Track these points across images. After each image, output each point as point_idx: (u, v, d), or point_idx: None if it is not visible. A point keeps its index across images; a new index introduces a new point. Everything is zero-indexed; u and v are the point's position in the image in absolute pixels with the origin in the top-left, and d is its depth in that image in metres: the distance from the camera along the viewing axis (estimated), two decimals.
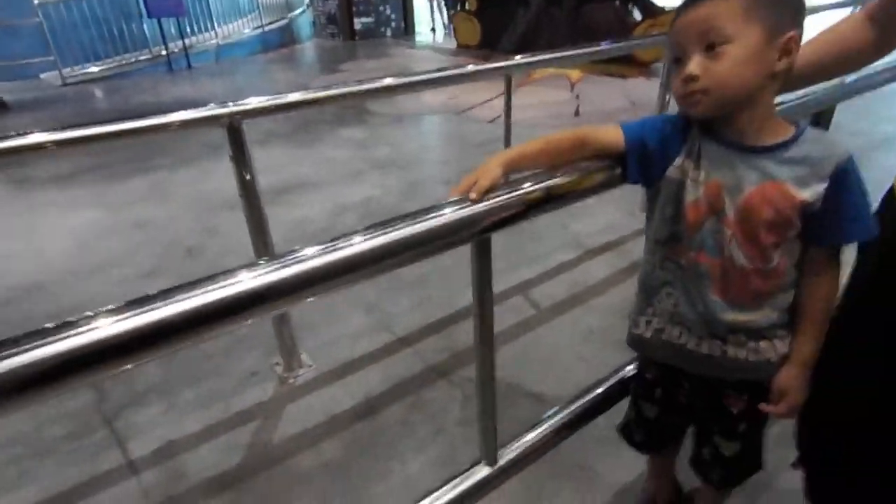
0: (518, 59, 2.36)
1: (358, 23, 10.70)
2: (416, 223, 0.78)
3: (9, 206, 3.68)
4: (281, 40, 10.75)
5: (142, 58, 8.84)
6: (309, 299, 0.72)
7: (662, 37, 3.26)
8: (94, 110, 6.58)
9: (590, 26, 7.17)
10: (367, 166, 4.06)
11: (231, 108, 1.69)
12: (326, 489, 1.53)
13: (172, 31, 8.93)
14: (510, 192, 0.86)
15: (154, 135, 1.59)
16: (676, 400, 1.05)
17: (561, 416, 1.08)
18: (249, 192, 1.78)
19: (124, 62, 8.69)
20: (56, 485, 1.59)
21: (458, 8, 8.90)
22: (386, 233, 0.76)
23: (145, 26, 8.91)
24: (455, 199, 0.85)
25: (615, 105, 5.39)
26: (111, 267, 2.84)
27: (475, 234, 0.84)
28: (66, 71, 8.01)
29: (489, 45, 8.37)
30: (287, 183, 3.76)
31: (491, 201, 0.84)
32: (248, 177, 1.76)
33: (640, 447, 1.20)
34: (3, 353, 0.52)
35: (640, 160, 0.89)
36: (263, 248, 1.88)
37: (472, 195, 0.83)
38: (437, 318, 2.27)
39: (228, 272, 0.65)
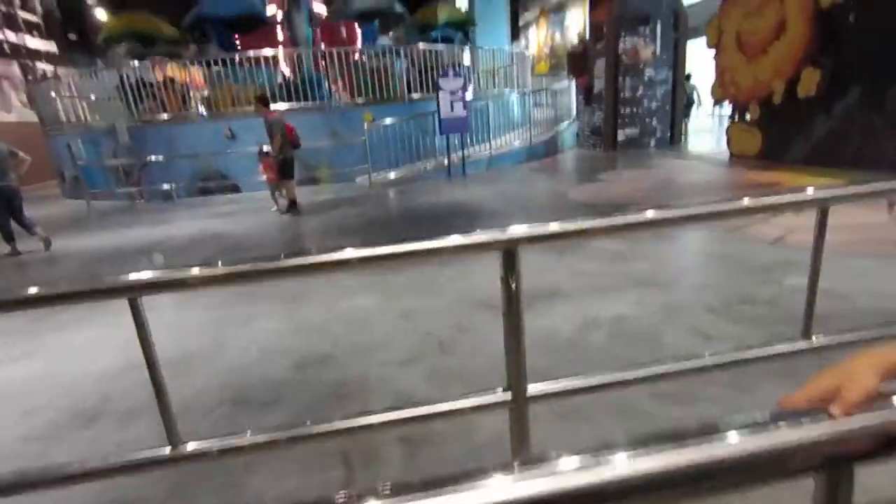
0: (842, 188, 1.92)
1: (622, 134, 10.88)
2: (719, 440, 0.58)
3: (319, 290, 4.56)
4: (546, 150, 11.64)
5: (428, 166, 10.60)
6: None
7: None
8: (389, 207, 8.06)
9: None
10: (623, 282, 3.83)
11: (507, 235, 1.75)
12: None
13: (456, 143, 10.52)
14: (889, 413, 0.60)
15: (436, 257, 1.74)
16: None
17: None
18: (513, 312, 1.79)
19: (414, 169, 10.55)
20: None
21: (736, 118, 8.24)
22: (679, 449, 0.58)
23: (436, 140, 10.71)
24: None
25: None
26: (379, 350, 3.21)
27: (830, 467, 0.60)
28: (374, 176, 10.11)
29: (773, 154, 7.44)
30: (537, 290, 3.79)
31: (859, 422, 0.59)
32: (514, 298, 1.78)
33: None
34: None
35: None
36: (515, 356, 1.85)
37: (834, 410, 0.59)
38: None
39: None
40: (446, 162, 10.29)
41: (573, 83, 13.99)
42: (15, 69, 15.48)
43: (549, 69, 26.24)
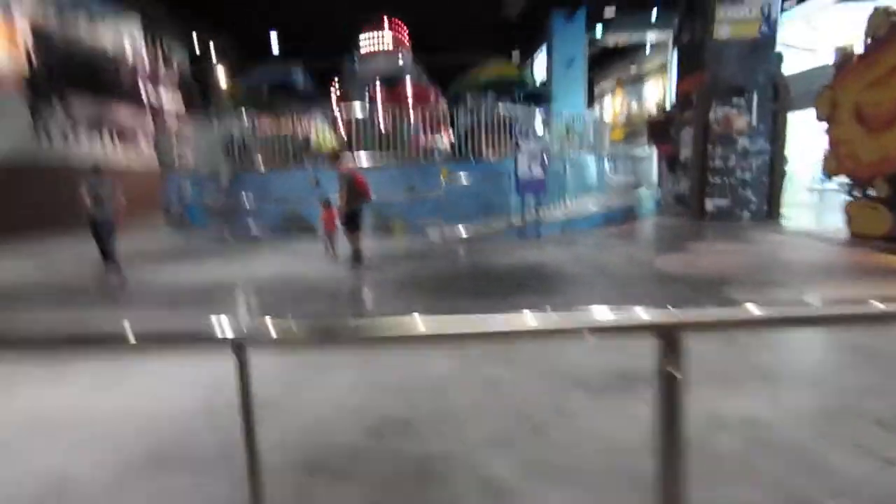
0: None
1: (710, 203, 10.25)
2: None
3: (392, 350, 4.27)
4: (625, 216, 11.17)
5: (501, 225, 10.37)
6: None
7: None
8: (462, 263, 7.83)
9: None
10: (746, 373, 3.28)
11: (668, 317, 1.41)
12: None
13: (530, 203, 10.27)
14: None
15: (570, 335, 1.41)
16: None
17: None
18: (672, 414, 1.41)
19: (487, 227, 10.35)
20: None
21: (858, 194, 7.46)
22: None
23: (510, 199, 10.53)
24: None
25: None
26: (463, 423, 2.84)
27: None
28: (447, 231, 9.99)
29: None
30: (641, 371, 3.31)
31: None
32: (674, 396, 1.41)
33: None
34: None
35: None
36: (672, 471, 1.44)
37: None
38: None
39: None
40: (520, 222, 10.04)
41: (654, 150, 13.62)
42: (150, 122, 18.50)
43: (625, 136, 26.04)
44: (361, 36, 15.26)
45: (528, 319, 1.41)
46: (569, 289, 5.81)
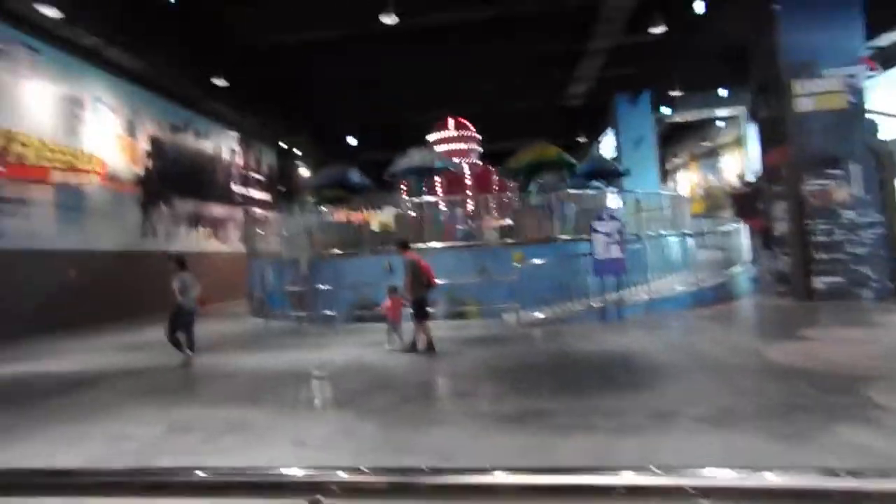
0: None
1: (819, 282, 9.19)
2: None
3: (472, 453, 3.90)
4: (716, 296, 10.26)
5: (579, 307, 9.84)
6: None
7: None
8: (539, 350, 7.35)
9: None
10: None
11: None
12: None
13: (610, 284, 9.73)
14: None
15: None
16: None
17: None
18: None
19: (565, 310, 9.85)
20: None
21: None
22: None
23: (588, 280, 10.04)
24: None
25: None
26: None
27: None
28: (522, 314, 9.58)
29: None
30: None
31: None
32: None
33: None
34: None
35: None
36: None
37: None
38: None
39: None
40: (600, 304, 9.48)
41: (742, 224, 12.75)
42: (238, 213, 20.24)
43: (706, 209, 24.96)
44: (431, 132, 16.17)
45: (633, 478, 1.05)
46: (663, 383, 5.15)
